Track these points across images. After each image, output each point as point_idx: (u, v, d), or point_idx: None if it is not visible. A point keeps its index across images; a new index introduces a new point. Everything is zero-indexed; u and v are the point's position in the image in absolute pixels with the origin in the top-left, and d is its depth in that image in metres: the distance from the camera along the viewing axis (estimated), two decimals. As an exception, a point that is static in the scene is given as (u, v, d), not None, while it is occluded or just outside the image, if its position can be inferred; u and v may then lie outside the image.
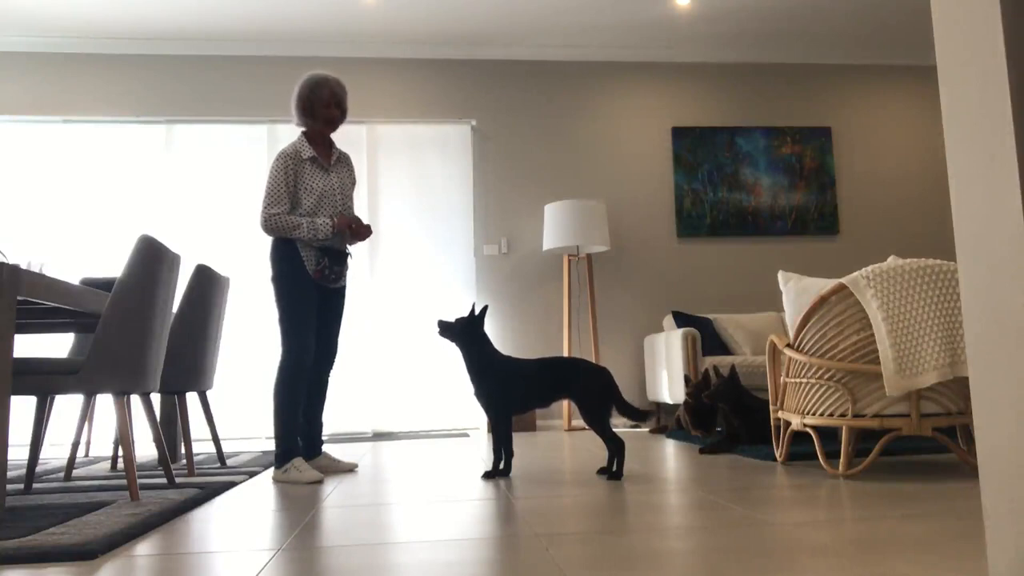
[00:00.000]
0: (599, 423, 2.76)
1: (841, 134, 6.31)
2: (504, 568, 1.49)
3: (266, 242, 5.64)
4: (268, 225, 3.02)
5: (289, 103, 5.80)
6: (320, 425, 3.27)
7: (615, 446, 2.76)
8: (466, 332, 2.94)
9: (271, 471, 3.36)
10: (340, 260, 3.18)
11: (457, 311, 5.73)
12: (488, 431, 5.39)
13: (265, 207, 3.01)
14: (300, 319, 3.02)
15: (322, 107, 3.14)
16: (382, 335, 5.65)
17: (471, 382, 2.95)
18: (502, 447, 2.92)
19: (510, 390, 2.88)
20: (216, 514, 2.24)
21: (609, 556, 1.55)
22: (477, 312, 2.98)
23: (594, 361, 4.23)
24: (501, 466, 2.92)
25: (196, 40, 5.76)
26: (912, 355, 2.48)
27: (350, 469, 3.26)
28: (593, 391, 2.79)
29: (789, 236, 6.15)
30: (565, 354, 5.58)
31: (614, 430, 3.25)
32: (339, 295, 3.27)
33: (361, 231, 3.13)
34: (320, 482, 2.90)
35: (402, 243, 5.77)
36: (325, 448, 4.57)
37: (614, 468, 2.77)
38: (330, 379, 3.34)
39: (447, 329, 2.98)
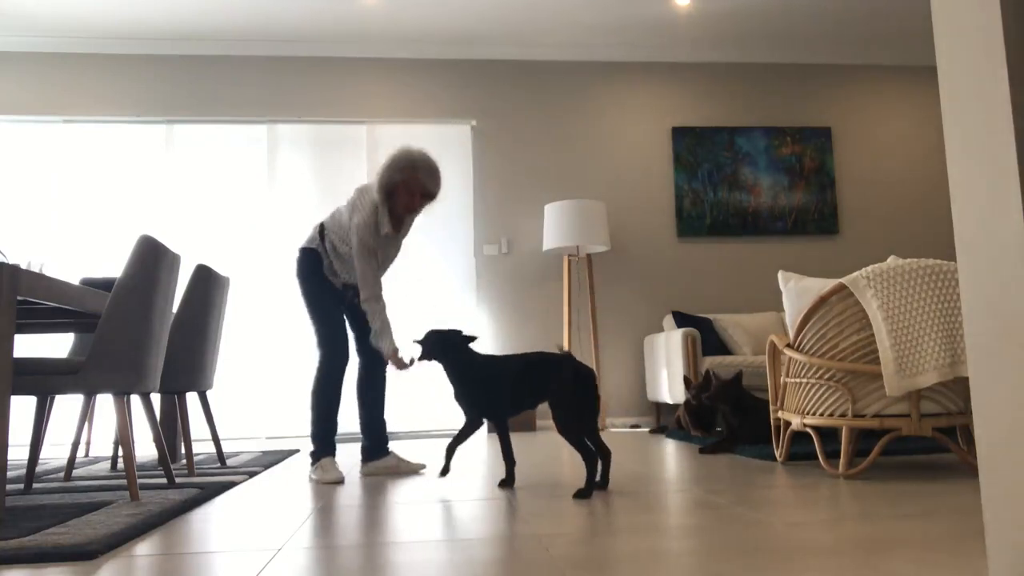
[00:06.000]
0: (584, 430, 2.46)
1: (841, 134, 6.31)
2: (504, 568, 1.49)
3: (264, 243, 5.64)
4: (370, 277, 2.99)
5: (281, 102, 5.80)
6: (383, 424, 3.22)
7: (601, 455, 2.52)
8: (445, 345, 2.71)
9: (265, 471, 3.39)
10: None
11: (457, 311, 5.73)
12: (489, 432, 5.38)
13: (364, 261, 2.99)
14: (331, 323, 3.07)
15: (406, 195, 3.06)
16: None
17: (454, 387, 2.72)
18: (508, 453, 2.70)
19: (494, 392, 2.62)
20: (216, 514, 2.24)
21: (609, 556, 1.55)
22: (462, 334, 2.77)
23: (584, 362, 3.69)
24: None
25: (196, 40, 5.76)
26: (912, 355, 2.48)
27: (417, 470, 3.20)
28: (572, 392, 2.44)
29: (789, 236, 6.15)
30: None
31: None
32: None
33: (402, 368, 3.05)
34: (339, 483, 2.90)
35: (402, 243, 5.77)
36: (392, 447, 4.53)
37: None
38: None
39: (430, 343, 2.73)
